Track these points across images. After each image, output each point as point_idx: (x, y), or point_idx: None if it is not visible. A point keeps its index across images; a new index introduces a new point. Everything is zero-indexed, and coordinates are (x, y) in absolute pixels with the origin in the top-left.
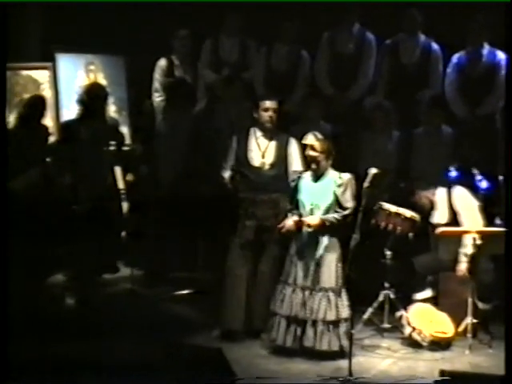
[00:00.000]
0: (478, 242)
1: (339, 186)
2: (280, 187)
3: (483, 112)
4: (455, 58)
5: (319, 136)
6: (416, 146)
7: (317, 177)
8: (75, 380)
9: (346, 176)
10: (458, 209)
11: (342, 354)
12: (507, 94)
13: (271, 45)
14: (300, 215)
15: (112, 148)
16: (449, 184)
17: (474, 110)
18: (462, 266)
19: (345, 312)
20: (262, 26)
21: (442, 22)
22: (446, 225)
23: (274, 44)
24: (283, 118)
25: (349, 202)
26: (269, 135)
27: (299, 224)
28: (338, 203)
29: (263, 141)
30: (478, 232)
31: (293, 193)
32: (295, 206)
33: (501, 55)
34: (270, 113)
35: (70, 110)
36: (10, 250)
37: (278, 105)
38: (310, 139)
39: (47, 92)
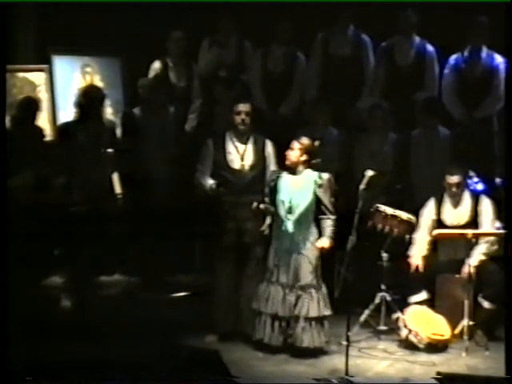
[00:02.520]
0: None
1: (320, 186)
2: (259, 189)
3: (480, 114)
4: (452, 59)
5: (301, 137)
6: (413, 148)
7: (292, 174)
8: (73, 382)
9: (326, 175)
10: (483, 220)
11: (324, 350)
12: (506, 96)
13: (267, 46)
14: (273, 214)
15: (109, 150)
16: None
17: (472, 112)
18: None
19: (327, 309)
20: (258, 28)
21: (440, 23)
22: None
23: (271, 45)
24: (280, 119)
25: (330, 203)
26: (245, 138)
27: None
28: (320, 203)
29: (240, 144)
30: (476, 234)
31: (271, 192)
32: (273, 205)
33: (498, 58)
34: (242, 116)
35: (67, 112)
36: (7, 252)
37: (250, 108)
38: (292, 143)
39: (43, 94)
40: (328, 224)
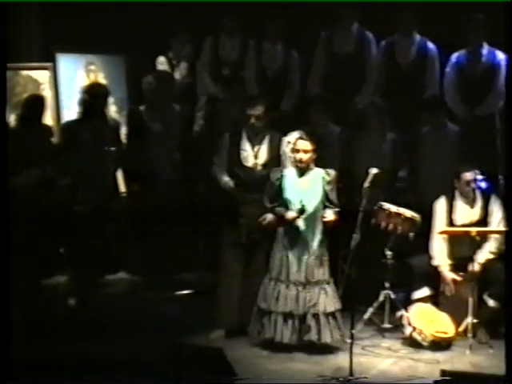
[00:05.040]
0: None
1: (329, 182)
2: None
3: (482, 112)
4: (454, 57)
5: (306, 135)
6: (420, 145)
7: (301, 173)
8: (75, 380)
9: (333, 172)
10: (493, 220)
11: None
12: (507, 93)
13: (266, 44)
14: (301, 211)
15: (113, 148)
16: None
17: (474, 110)
18: (476, 267)
19: (338, 304)
20: (261, 26)
21: (441, 21)
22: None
23: (270, 43)
24: (278, 116)
25: (336, 199)
26: (261, 136)
27: (284, 222)
28: (327, 199)
29: (256, 141)
30: (480, 232)
31: (276, 191)
32: (280, 204)
33: (500, 55)
34: (252, 120)
35: (71, 111)
36: (10, 251)
37: (263, 109)
38: (301, 144)
39: (47, 92)
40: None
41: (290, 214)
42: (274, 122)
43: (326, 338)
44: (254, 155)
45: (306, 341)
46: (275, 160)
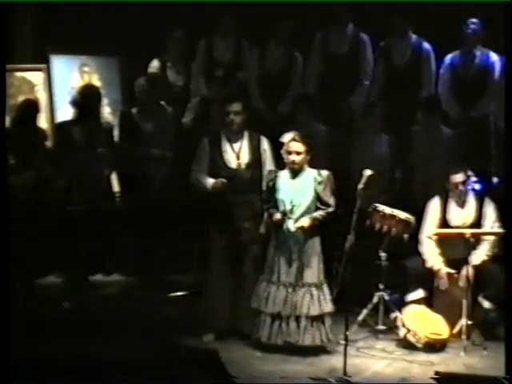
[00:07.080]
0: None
1: (320, 183)
2: (256, 188)
3: (477, 113)
4: (448, 58)
5: (299, 137)
6: (414, 146)
7: (294, 174)
8: (72, 381)
9: (325, 173)
10: (486, 222)
11: (325, 349)
12: (506, 95)
13: (265, 45)
14: (284, 213)
15: (107, 149)
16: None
17: (468, 111)
18: (470, 271)
19: (328, 306)
20: (256, 27)
21: (438, 22)
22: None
23: (268, 45)
24: (277, 118)
25: (330, 199)
26: (239, 136)
27: (273, 223)
28: (319, 200)
29: (235, 142)
30: (475, 234)
31: (270, 192)
32: (273, 205)
33: (494, 57)
34: (231, 116)
35: (65, 112)
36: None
37: (241, 107)
38: (294, 145)
39: (41, 94)
40: (319, 212)
41: (276, 216)
42: (255, 123)
43: (306, 341)
44: (236, 156)
45: (289, 342)
46: (257, 159)
